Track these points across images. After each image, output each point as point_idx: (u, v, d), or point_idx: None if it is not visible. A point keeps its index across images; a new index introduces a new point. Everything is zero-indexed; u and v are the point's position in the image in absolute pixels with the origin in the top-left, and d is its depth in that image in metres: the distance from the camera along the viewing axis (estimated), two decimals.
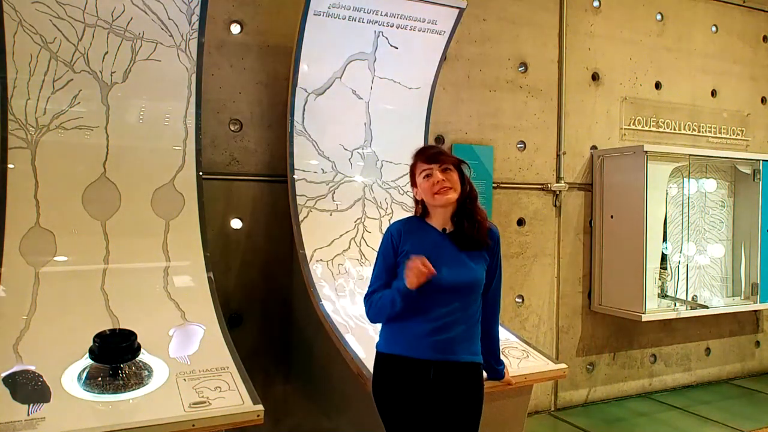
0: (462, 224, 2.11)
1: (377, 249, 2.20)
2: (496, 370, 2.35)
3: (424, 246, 2.08)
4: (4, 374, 2.03)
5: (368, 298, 2.15)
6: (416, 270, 1.93)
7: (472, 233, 2.09)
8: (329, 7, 3.02)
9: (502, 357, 2.39)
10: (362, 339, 2.63)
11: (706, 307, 4.44)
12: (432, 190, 2.07)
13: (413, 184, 2.17)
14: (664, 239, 4.31)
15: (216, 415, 2.00)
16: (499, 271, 2.23)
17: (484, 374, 2.23)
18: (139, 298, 2.51)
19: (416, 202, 2.19)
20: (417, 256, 1.97)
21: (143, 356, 2.21)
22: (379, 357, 2.15)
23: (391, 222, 2.24)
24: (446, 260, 2.06)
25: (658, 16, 4.70)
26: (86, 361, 2.14)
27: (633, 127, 4.61)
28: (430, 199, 2.09)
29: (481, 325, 2.18)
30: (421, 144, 3.39)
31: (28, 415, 1.88)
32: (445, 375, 2.05)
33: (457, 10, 3.29)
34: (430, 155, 2.10)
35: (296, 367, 3.32)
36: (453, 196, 2.07)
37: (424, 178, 2.10)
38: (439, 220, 2.14)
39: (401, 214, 3.15)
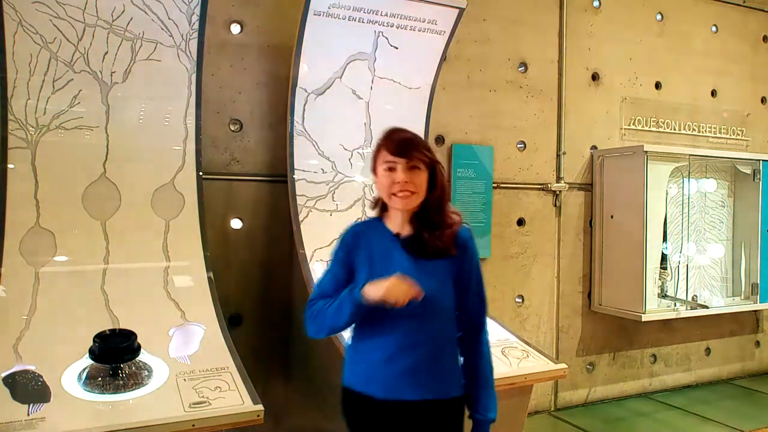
0: (420, 230, 1.74)
1: None
2: (482, 420, 1.77)
3: (372, 255, 1.76)
4: (4, 374, 2.03)
5: (308, 308, 1.81)
6: (396, 290, 1.58)
7: (432, 242, 1.72)
8: (329, 7, 3.02)
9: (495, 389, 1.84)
10: None
11: (706, 307, 4.44)
12: (390, 189, 1.71)
13: (374, 171, 1.78)
14: (664, 239, 4.31)
15: (216, 415, 2.00)
16: (475, 279, 1.81)
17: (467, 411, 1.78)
18: (139, 298, 2.51)
19: (375, 199, 1.84)
20: (400, 276, 1.61)
21: (143, 356, 2.21)
22: (342, 391, 1.80)
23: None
24: (393, 272, 1.66)
25: (658, 16, 4.70)
26: (86, 361, 2.14)
27: (633, 127, 4.60)
28: (386, 198, 1.75)
29: (463, 353, 1.80)
30: None
31: (28, 415, 1.88)
32: (404, 417, 1.68)
33: (457, 10, 3.29)
34: (398, 144, 1.71)
35: (296, 367, 3.31)
36: (414, 202, 1.72)
37: (385, 170, 1.72)
38: (395, 221, 1.78)
39: None
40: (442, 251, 1.72)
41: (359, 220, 1.89)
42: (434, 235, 1.72)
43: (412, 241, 1.74)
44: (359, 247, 1.78)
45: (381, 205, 1.82)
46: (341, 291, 1.74)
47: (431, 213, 1.75)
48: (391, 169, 1.71)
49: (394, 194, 1.71)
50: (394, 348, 1.69)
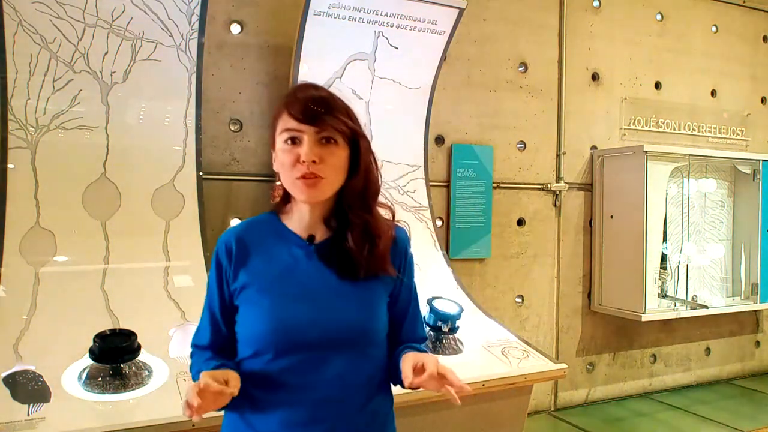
0: (342, 234, 1.24)
1: None
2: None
3: (271, 270, 1.25)
4: (4, 374, 2.03)
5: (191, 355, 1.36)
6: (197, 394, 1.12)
7: (364, 258, 1.22)
8: (329, 7, 3.02)
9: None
10: None
11: (706, 307, 4.44)
12: (292, 173, 1.20)
13: (272, 144, 1.28)
14: (664, 239, 4.31)
15: (216, 415, 1.99)
16: (414, 297, 1.34)
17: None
18: (139, 298, 2.51)
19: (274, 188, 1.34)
20: (207, 375, 1.13)
21: (143, 356, 2.21)
22: None
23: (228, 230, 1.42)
24: (311, 294, 1.21)
25: (658, 16, 4.70)
26: (86, 361, 2.14)
27: (633, 127, 4.60)
28: (287, 183, 1.24)
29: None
30: (420, 145, 3.39)
31: (28, 415, 1.88)
32: None
33: (457, 10, 3.29)
34: (306, 105, 1.20)
35: None
36: (324, 192, 1.22)
37: (285, 142, 1.21)
38: (303, 220, 1.27)
39: (401, 216, 3.13)
40: (377, 269, 1.24)
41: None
42: (363, 248, 1.21)
43: (331, 249, 1.23)
44: (246, 263, 1.26)
45: (282, 196, 1.31)
46: (229, 325, 1.28)
47: (351, 210, 1.24)
48: (293, 141, 1.20)
49: (298, 178, 1.19)
50: (309, 407, 1.18)
